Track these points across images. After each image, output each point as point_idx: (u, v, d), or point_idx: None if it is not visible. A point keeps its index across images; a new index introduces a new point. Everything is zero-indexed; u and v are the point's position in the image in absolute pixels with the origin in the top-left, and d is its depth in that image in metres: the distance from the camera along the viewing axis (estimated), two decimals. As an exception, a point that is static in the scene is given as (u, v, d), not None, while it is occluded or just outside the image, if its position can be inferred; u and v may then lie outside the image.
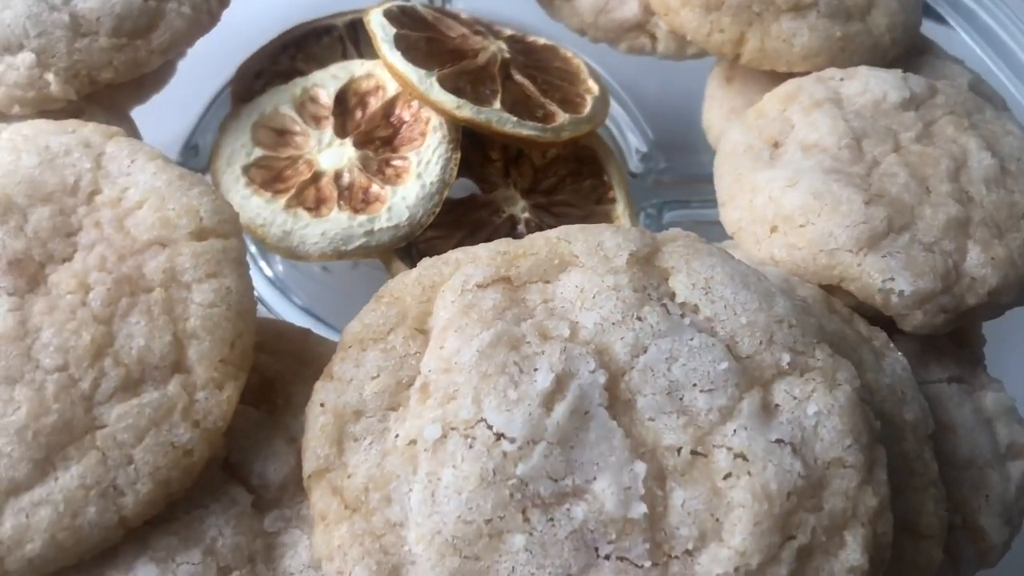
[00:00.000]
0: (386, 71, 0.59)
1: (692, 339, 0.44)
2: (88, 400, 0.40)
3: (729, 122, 0.67)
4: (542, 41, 0.67)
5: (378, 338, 0.45)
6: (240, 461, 0.43)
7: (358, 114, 0.60)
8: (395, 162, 0.57)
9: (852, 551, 0.41)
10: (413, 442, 0.42)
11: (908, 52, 0.68)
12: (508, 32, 0.67)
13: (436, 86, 0.56)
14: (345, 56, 0.67)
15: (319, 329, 0.54)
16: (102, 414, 0.40)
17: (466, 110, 0.56)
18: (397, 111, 0.59)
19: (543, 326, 0.44)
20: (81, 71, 0.53)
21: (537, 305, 0.45)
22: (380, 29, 0.59)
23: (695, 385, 0.43)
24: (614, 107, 0.72)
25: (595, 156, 0.63)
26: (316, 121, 0.59)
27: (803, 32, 0.62)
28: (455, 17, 0.65)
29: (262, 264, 0.66)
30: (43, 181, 0.45)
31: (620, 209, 0.62)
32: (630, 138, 0.72)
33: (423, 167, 0.56)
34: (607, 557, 0.40)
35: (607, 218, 0.61)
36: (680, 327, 0.44)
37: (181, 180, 0.46)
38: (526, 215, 0.60)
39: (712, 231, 0.57)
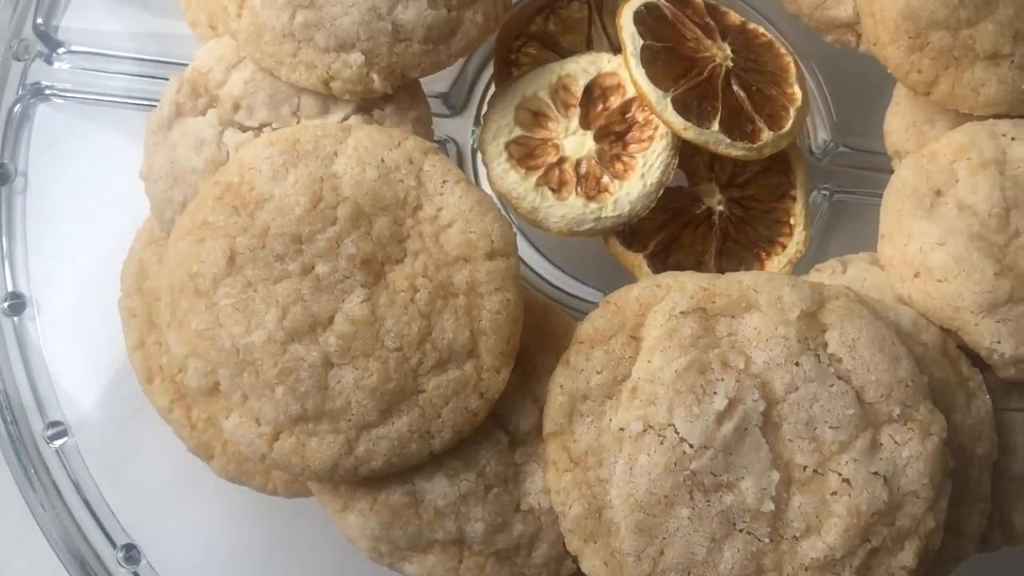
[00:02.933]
0: (627, 71, 0.71)
1: (832, 385, 0.61)
2: (414, 372, 0.60)
3: (907, 135, 0.77)
4: (763, 36, 0.76)
5: (603, 340, 0.63)
6: (502, 413, 0.63)
7: (599, 106, 0.72)
8: (624, 158, 0.71)
9: (907, 556, 0.60)
10: (622, 429, 0.61)
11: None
12: (734, 20, 0.76)
13: (670, 107, 0.68)
14: (590, 22, 0.78)
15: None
16: (423, 383, 0.60)
17: (691, 132, 0.68)
18: (632, 111, 0.71)
19: (725, 356, 0.61)
20: (396, 70, 0.67)
21: (723, 336, 0.62)
22: (630, 41, 0.70)
23: (826, 422, 0.60)
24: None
25: (786, 156, 0.75)
26: (566, 108, 0.73)
27: (992, 83, 0.70)
28: (691, 8, 0.75)
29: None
30: (382, 194, 0.61)
31: (798, 209, 0.75)
32: (815, 118, 0.83)
33: (647, 168, 0.70)
34: (740, 531, 0.60)
35: (786, 215, 0.75)
36: (825, 374, 0.61)
37: (479, 206, 0.62)
38: (720, 208, 0.74)
39: (871, 213, 0.71)
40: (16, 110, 0.77)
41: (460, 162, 0.83)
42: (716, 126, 0.69)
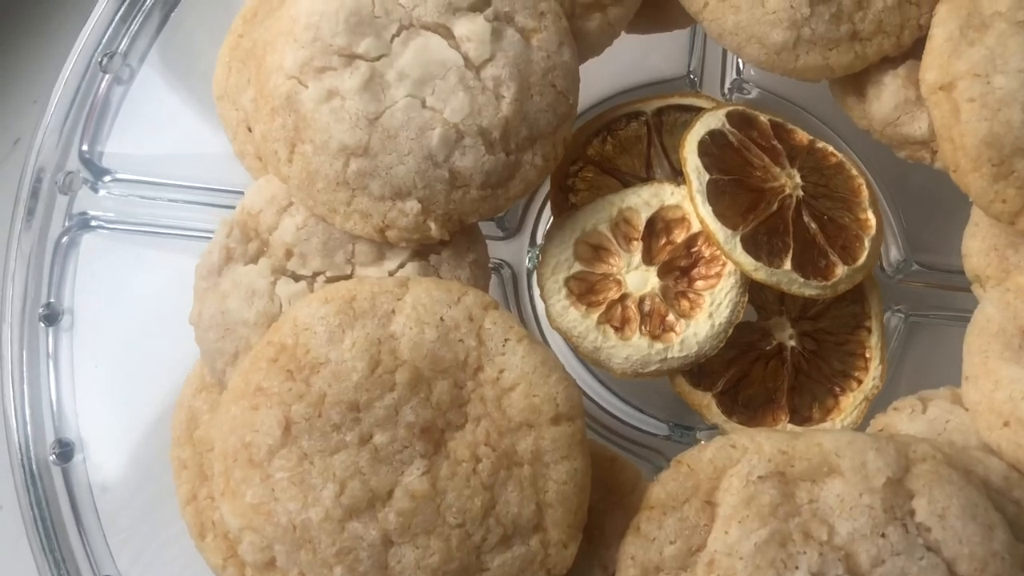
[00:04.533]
0: (693, 208, 0.68)
1: (922, 559, 0.57)
2: (478, 550, 0.57)
3: (988, 259, 0.73)
4: (833, 156, 0.73)
5: (676, 506, 0.60)
6: (570, 581, 0.61)
7: (663, 240, 0.69)
8: (690, 295, 0.68)
9: None
10: (699, 606, 0.58)
11: None
12: (802, 140, 0.73)
13: (739, 247, 0.65)
14: (649, 142, 0.75)
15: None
16: (486, 562, 0.57)
17: (762, 273, 0.65)
18: (699, 246, 0.68)
19: (807, 526, 0.57)
20: (453, 216, 0.64)
21: (804, 504, 0.58)
22: (695, 176, 0.67)
23: (917, 596, 0.57)
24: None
25: (860, 285, 0.71)
26: (627, 242, 0.70)
27: (1084, 214, 0.67)
28: (757, 131, 0.72)
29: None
30: (441, 356, 0.59)
31: (873, 341, 0.71)
32: (888, 234, 0.79)
33: (715, 307, 0.67)
34: None
35: (860, 347, 0.71)
36: (914, 546, 0.57)
37: (543, 366, 0.59)
38: (792, 343, 0.71)
39: (949, 336, 0.66)
40: (63, 242, 0.76)
41: (515, 285, 0.81)
42: (788, 264, 0.66)
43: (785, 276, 0.66)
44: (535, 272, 0.72)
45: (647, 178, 0.74)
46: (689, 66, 0.86)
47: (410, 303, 0.60)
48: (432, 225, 0.64)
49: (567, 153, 0.75)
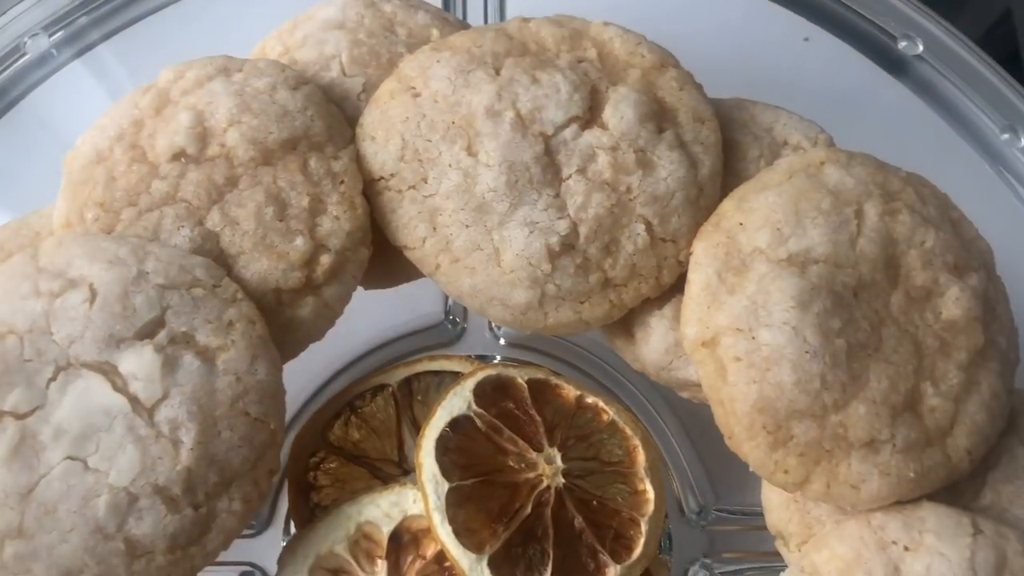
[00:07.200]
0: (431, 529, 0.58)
1: None
2: None
3: (788, 513, 0.65)
4: (604, 414, 0.64)
5: None
6: None
7: (411, 555, 0.60)
8: (446, 621, 0.59)
9: None
10: None
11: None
12: (568, 398, 0.64)
13: (487, 573, 0.56)
14: (399, 419, 0.66)
15: None
16: None
17: (515, 600, 0.56)
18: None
19: None
20: (140, 587, 0.54)
21: None
22: (432, 487, 0.57)
23: None
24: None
25: (648, 570, 0.63)
26: (371, 561, 0.60)
27: (872, 477, 0.58)
28: (512, 400, 0.63)
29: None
30: None
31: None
32: (687, 478, 0.71)
33: (474, 635, 0.58)
34: None
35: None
36: None
37: None
38: (574, 648, 0.62)
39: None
40: None
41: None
42: (548, 579, 0.57)
43: (545, 598, 0.57)
44: (272, 604, 0.62)
45: (400, 463, 0.65)
46: (447, 306, 0.76)
47: None
48: (114, 604, 0.54)
49: (304, 442, 0.66)
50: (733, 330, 0.60)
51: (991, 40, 1.08)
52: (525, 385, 0.64)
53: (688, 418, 0.73)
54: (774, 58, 0.85)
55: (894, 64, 0.82)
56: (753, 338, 0.59)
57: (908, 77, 0.79)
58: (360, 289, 0.67)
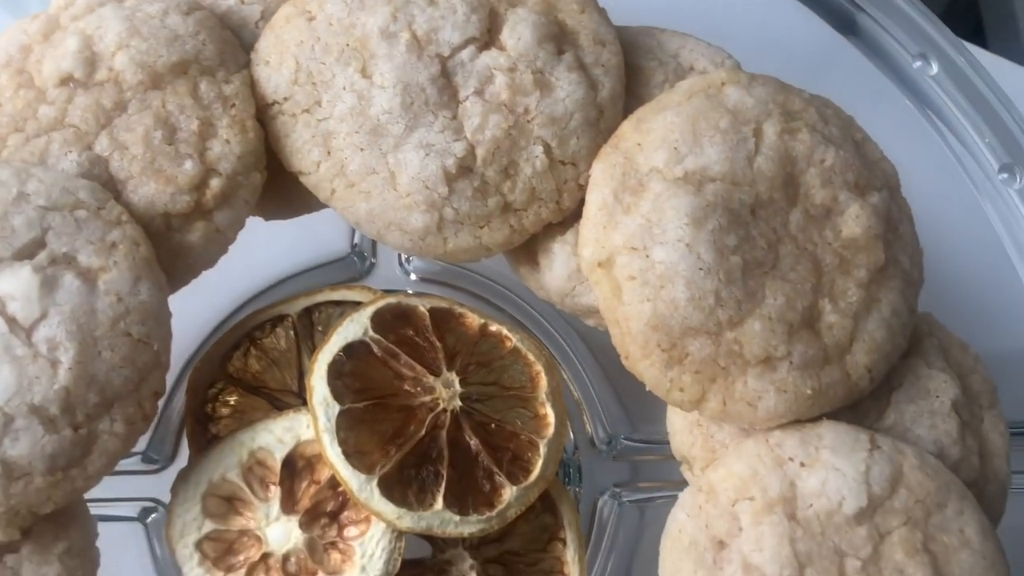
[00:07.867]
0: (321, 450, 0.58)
1: None
2: None
3: (692, 437, 0.64)
4: (507, 341, 0.63)
5: None
6: None
7: (305, 480, 0.59)
8: (341, 546, 0.58)
9: None
10: None
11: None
12: (472, 326, 0.63)
13: (377, 494, 0.55)
14: (299, 349, 0.65)
15: None
16: None
17: (406, 521, 0.55)
18: (344, 485, 0.58)
19: None
20: (21, 510, 0.53)
21: None
22: (323, 410, 0.57)
23: None
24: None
25: (548, 491, 0.62)
26: (264, 487, 0.59)
27: (769, 394, 0.58)
28: (412, 327, 0.62)
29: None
30: None
31: (570, 555, 0.62)
32: (595, 407, 0.70)
33: (367, 560, 0.57)
34: None
35: (557, 562, 0.62)
36: None
37: None
38: (474, 574, 0.61)
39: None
40: None
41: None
42: (440, 502, 0.56)
43: (437, 518, 0.56)
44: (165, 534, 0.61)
45: (299, 393, 0.64)
46: (353, 240, 0.76)
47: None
48: (-8, 528, 0.53)
49: (201, 373, 0.65)
50: (628, 249, 0.59)
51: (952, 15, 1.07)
52: (427, 313, 0.64)
53: (601, 352, 0.73)
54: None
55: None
56: (647, 256, 0.58)
57: (821, 7, 0.78)
58: (264, 223, 0.67)
